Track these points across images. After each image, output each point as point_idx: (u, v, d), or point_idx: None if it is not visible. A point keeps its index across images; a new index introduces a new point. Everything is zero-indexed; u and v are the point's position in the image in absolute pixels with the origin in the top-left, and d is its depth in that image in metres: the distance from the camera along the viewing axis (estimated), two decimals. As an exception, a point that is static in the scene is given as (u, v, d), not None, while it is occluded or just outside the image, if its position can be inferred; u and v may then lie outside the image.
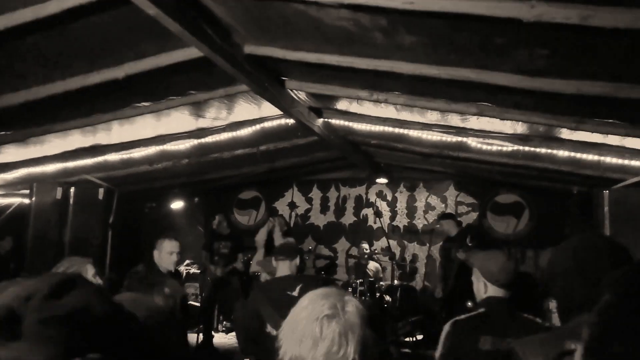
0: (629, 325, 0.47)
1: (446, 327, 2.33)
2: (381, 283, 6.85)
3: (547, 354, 1.20)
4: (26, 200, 6.19)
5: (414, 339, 6.57)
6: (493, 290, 2.35)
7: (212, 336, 6.60)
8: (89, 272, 2.99)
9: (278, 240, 6.65)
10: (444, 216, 6.79)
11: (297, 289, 2.73)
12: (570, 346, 1.00)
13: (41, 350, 0.43)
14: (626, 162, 4.35)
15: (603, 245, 1.33)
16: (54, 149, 5.13)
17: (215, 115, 4.72)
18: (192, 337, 6.18)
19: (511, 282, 2.36)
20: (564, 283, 1.34)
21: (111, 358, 0.46)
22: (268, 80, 3.80)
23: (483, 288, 2.38)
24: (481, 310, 2.34)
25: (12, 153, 5.08)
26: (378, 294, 6.54)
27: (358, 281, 6.51)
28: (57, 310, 0.46)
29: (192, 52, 3.14)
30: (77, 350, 0.44)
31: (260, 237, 5.95)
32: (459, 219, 7.06)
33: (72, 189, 5.77)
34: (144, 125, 4.72)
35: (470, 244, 5.71)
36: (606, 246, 1.31)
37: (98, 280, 3.12)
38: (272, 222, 6.02)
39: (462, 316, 2.36)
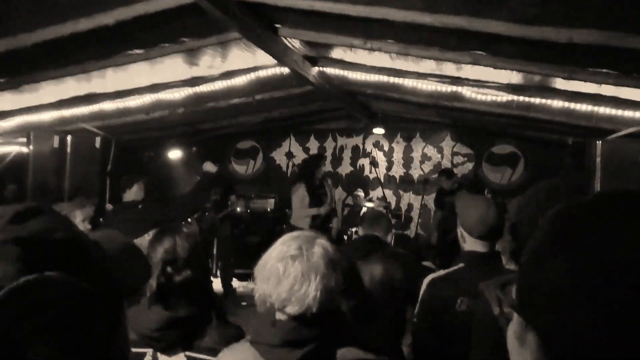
0: (553, 263, 0.46)
1: (423, 285, 2.15)
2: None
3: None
4: (24, 149, 6.21)
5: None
6: (471, 244, 2.07)
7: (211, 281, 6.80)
8: (77, 217, 3.06)
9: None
10: (440, 172, 7.03)
11: None
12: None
13: None
14: (619, 112, 4.34)
15: (564, 189, 1.37)
16: (49, 97, 5.12)
17: (209, 63, 4.68)
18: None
19: (493, 234, 2.02)
20: (530, 229, 1.39)
21: (69, 277, 0.50)
22: (260, 27, 3.75)
23: (462, 239, 2.13)
24: (460, 265, 2.10)
25: (7, 101, 5.06)
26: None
27: (353, 230, 6.63)
28: (19, 232, 0.50)
29: (181, -2, 3.10)
30: (34, 271, 0.49)
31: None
32: (454, 169, 7.16)
33: (69, 138, 5.77)
34: (138, 73, 4.68)
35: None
36: (567, 190, 1.36)
37: (87, 226, 3.19)
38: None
39: (440, 273, 2.16)
